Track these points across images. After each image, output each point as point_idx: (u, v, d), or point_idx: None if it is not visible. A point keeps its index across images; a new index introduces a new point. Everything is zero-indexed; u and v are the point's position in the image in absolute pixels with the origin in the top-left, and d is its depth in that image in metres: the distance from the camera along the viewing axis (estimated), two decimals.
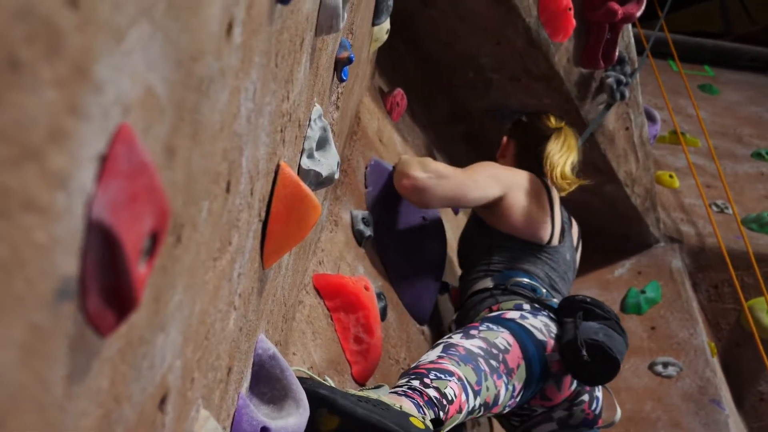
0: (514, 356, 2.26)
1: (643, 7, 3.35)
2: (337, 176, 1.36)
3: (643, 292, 4.15)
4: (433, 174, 2.60)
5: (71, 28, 0.37)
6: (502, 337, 2.29)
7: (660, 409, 3.64)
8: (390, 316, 2.39)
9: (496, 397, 2.17)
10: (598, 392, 2.55)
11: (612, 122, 3.81)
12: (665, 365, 3.90)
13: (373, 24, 2.29)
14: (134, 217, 0.47)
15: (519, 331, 2.34)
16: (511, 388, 2.22)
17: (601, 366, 2.31)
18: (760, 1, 8.42)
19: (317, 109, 1.36)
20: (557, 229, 2.86)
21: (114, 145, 0.43)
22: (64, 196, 0.39)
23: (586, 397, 2.50)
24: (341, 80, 1.70)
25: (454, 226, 3.25)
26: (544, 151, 3.04)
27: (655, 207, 4.49)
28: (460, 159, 3.56)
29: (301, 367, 1.75)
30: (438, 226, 2.88)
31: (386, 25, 2.40)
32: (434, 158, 3.48)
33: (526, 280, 2.67)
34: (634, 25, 4.00)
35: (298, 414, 1.21)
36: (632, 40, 3.74)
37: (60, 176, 0.38)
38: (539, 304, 2.55)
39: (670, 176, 5.01)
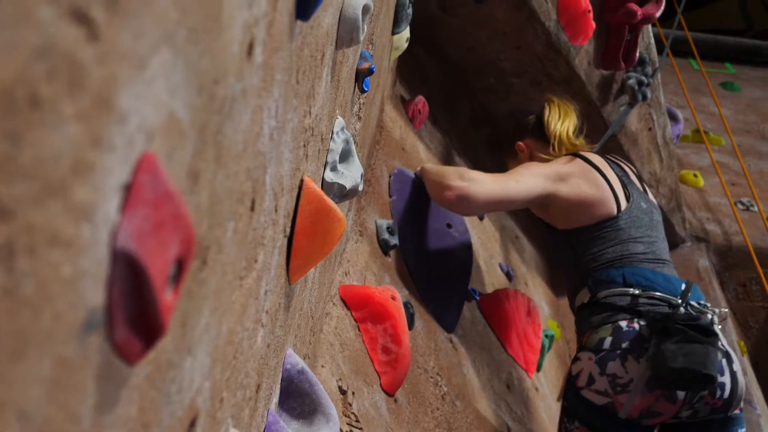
0: None
1: (662, 8, 3.34)
2: (361, 188, 1.36)
3: None
4: (473, 181, 2.58)
5: (92, 61, 0.36)
6: None
7: None
8: (417, 325, 2.38)
9: None
10: (724, 378, 2.44)
11: (634, 123, 3.80)
12: None
13: (393, 33, 2.29)
14: (160, 244, 0.46)
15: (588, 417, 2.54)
16: None
17: (694, 382, 2.30)
18: None
19: (339, 122, 1.36)
20: (619, 191, 2.81)
21: (138, 174, 0.43)
22: (89, 228, 0.39)
23: (704, 392, 2.42)
24: (363, 91, 1.70)
25: (479, 232, 3.24)
26: (543, 124, 3.04)
27: (680, 207, 4.47)
28: (483, 163, 3.56)
29: (330, 378, 1.74)
30: (464, 232, 2.88)
31: (406, 33, 2.39)
32: (456, 164, 3.47)
33: (615, 281, 2.63)
34: (653, 25, 3.98)
35: (328, 428, 1.20)
36: (652, 41, 3.73)
37: (84, 208, 0.38)
38: (630, 314, 2.52)
39: (695, 175, 4.98)
